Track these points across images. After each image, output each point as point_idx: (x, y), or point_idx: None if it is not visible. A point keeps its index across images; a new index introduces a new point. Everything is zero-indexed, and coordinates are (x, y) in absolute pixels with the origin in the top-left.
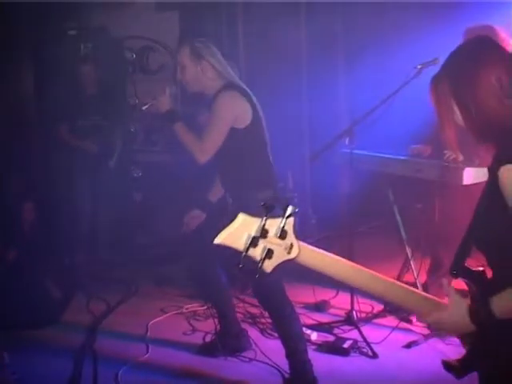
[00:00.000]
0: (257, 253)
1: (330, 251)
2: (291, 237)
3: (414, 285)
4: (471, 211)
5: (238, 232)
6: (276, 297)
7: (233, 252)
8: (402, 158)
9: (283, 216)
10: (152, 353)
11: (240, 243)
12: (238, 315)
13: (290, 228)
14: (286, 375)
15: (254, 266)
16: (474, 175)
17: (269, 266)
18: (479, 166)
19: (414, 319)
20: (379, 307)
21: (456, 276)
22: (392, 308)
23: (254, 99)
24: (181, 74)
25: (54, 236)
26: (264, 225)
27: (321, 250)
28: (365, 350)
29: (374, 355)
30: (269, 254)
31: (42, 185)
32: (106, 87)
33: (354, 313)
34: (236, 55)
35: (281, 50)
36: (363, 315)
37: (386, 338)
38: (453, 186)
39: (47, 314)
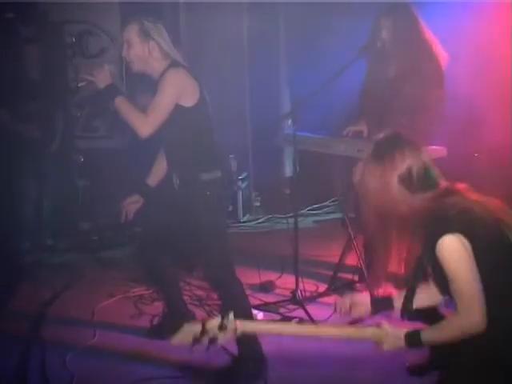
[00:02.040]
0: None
1: (273, 233)
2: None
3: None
4: None
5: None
6: (225, 276)
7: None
8: (344, 138)
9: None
10: (99, 337)
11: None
12: (185, 297)
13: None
14: (235, 355)
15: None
16: None
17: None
18: None
19: None
20: (323, 286)
21: (407, 319)
22: (336, 287)
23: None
24: (126, 51)
25: None
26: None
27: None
28: None
29: None
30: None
31: None
32: (46, 71)
33: (299, 292)
34: (177, 40)
35: (223, 33)
36: (308, 294)
37: (331, 316)
38: None
39: None
